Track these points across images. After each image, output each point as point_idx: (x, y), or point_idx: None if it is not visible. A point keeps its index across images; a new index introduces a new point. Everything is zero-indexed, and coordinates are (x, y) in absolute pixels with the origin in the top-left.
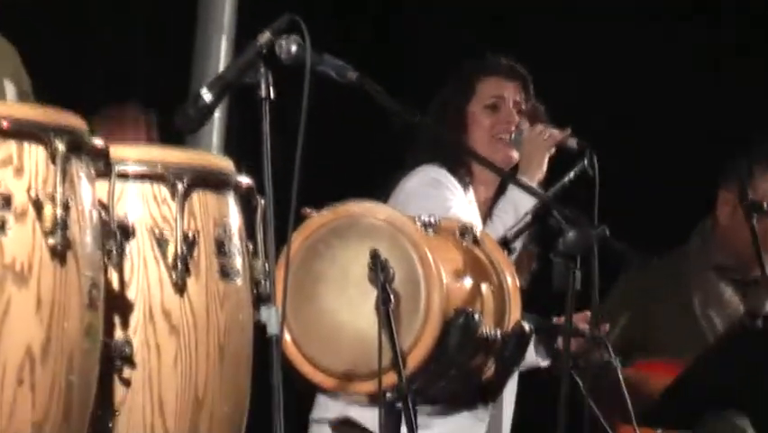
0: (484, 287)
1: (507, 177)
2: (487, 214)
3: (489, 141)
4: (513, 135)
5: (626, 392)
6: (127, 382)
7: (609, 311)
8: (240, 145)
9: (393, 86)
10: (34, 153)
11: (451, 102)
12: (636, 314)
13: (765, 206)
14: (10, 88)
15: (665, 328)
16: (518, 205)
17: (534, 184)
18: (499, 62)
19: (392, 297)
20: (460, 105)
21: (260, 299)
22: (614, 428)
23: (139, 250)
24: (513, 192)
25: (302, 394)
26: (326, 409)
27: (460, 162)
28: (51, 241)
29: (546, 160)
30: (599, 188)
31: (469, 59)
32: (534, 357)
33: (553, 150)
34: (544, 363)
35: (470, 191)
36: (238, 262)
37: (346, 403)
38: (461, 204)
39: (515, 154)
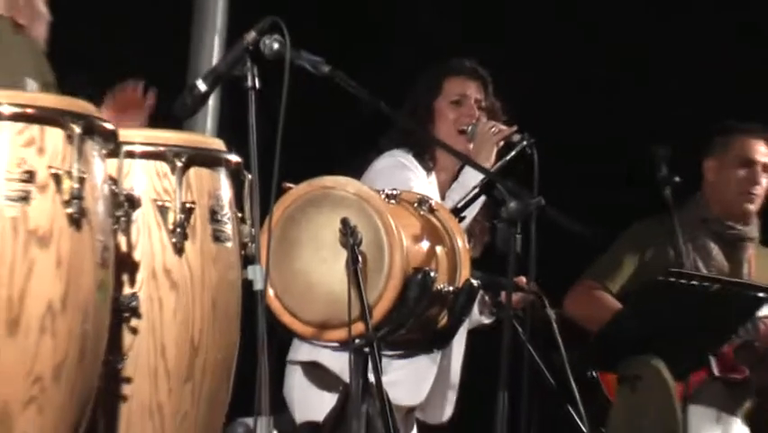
0: (438, 249)
1: (464, 159)
2: (444, 195)
3: (453, 132)
4: (470, 128)
5: (559, 339)
6: (134, 331)
7: (614, 260)
8: (230, 128)
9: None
10: (54, 135)
11: (421, 97)
12: (637, 264)
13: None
14: (31, 83)
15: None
16: (467, 186)
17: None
18: (464, 64)
19: (360, 258)
20: (429, 100)
21: (247, 260)
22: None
23: (144, 218)
24: (463, 176)
25: (283, 341)
26: (298, 351)
27: (424, 149)
28: (69, 210)
29: (494, 151)
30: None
31: (438, 61)
32: (478, 316)
33: (501, 143)
34: (488, 320)
35: (432, 175)
36: (228, 227)
37: (318, 347)
38: (422, 184)
39: (470, 146)
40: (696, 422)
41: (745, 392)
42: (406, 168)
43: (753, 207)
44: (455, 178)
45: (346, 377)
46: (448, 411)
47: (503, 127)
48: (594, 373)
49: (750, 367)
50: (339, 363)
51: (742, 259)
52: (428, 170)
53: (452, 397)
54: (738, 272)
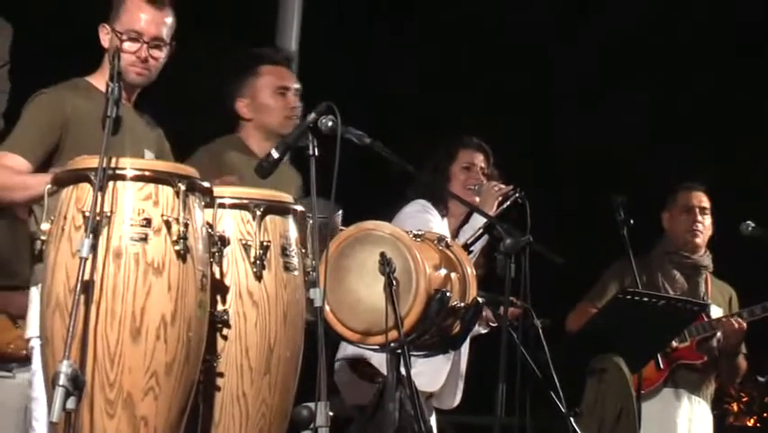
0: (453, 275)
1: (472, 207)
2: (454, 237)
3: (463, 190)
4: (476, 187)
5: (544, 342)
6: (225, 337)
7: (602, 287)
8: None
9: None
10: (165, 192)
11: (440, 162)
12: (618, 289)
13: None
14: (149, 153)
15: None
16: (475, 228)
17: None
18: (473, 140)
19: (394, 282)
20: (446, 165)
21: (310, 284)
22: None
23: (232, 253)
24: (473, 221)
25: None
26: (345, 351)
27: (440, 200)
28: (177, 247)
29: (496, 204)
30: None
31: (453, 136)
32: (477, 328)
33: (500, 198)
34: (484, 330)
35: (445, 219)
36: (295, 260)
37: (363, 350)
38: (438, 225)
39: (477, 199)
40: (667, 400)
41: (706, 376)
42: (427, 212)
43: (699, 240)
44: (464, 222)
45: (383, 369)
46: (458, 398)
47: (503, 186)
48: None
49: (708, 355)
50: (377, 358)
51: (699, 282)
52: (442, 215)
53: (460, 386)
54: (696, 293)
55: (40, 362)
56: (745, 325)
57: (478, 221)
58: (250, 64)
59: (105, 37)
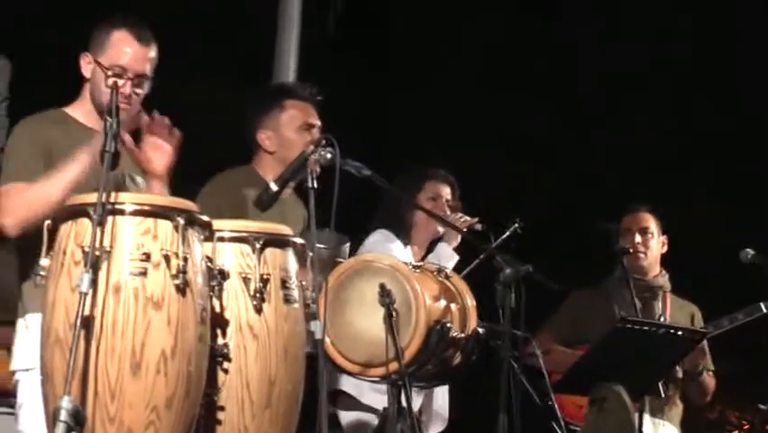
0: (453, 306)
1: (458, 230)
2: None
3: (427, 220)
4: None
5: (545, 372)
6: (226, 371)
7: (562, 314)
8: None
9: None
10: (164, 226)
11: (407, 192)
12: (576, 318)
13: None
14: (139, 179)
15: (595, 326)
16: (440, 257)
17: (452, 247)
18: (439, 171)
19: (394, 313)
20: (413, 195)
21: (310, 316)
22: None
23: (232, 286)
24: (437, 251)
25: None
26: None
27: (401, 229)
28: (176, 282)
29: (459, 237)
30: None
31: (419, 166)
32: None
33: (465, 229)
34: None
35: (408, 249)
36: (295, 292)
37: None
38: (400, 253)
39: (441, 229)
40: None
41: (667, 397)
42: (389, 241)
43: (643, 263)
44: (428, 252)
45: (362, 399)
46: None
47: (468, 218)
48: (550, 401)
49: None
50: (356, 389)
51: (655, 304)
52: (405, 243)
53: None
54: (652, 314)
55: (26, 395)
56: (703, 342)
57: (444, 250)
58: (276, 96)
59: (87, 66)
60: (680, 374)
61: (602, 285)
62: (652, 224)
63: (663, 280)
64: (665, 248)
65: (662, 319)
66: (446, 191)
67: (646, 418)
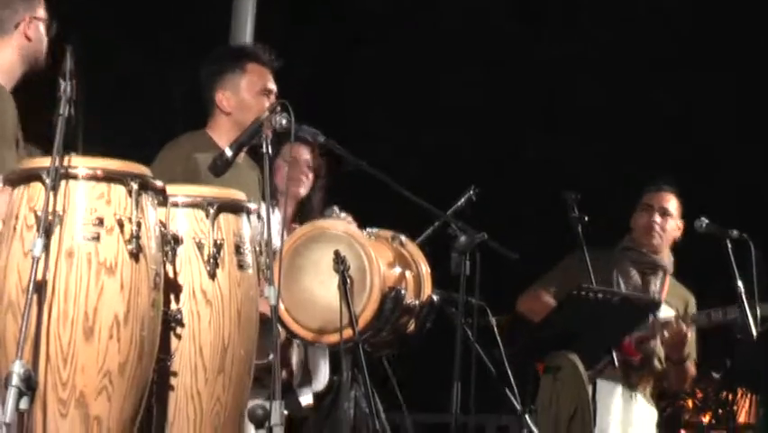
0: (407, 273)
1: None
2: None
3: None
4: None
5: (499, 341)
6: (179, 336)
7: (559, 273)
8: None
9: None
10: (118, 191)
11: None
12: (573, 277)
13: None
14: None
15: None
16: None
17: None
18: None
19: (349, 280)
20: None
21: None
22: None
23: (185, 252)
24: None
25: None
26: None
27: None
28: (129, 247)
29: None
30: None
31: None
32: None
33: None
34: None
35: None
36: (249, 258)
37: None
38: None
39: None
40: (603, 394)
41: (642, 373)
42: None
43: (655, 241)
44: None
45: None
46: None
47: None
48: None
49: (644, 354)
50: None
51: (653, 281)
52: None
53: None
54: (648, 291)
55: None
56: (690, 331)
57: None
58: (239, 58)
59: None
60: (659, 354)
61: (605, 251)
62: (673, 205)
63: (667, 261)
64: (679, 232)
65: (656, 297)
66: (305, 152)
67: (617, 387)
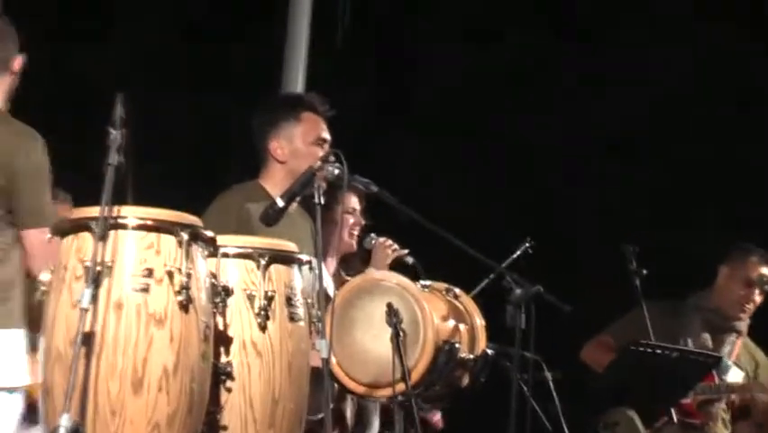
0: (461, 326)
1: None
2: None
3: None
4: (368, 240)
5: (555, 396)
6: (228, 389)
7: (626, 323)
8: None
9: None
10: (168, 241)
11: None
12: (641, 329)
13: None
14: None
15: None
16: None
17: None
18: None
19: (401, 333)
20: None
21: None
22: None
23: (236, 303)
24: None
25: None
26: None
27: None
28: (179, 298)
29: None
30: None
31: None
32: None
33: (392, 259)
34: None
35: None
36: (301, 310)
37: None
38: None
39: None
40: None
41: None
42: None
43: (744, 316)
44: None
45: None
46: None
47: (398, 247)
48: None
49: (707, 418)
50: None
51: (724, 343)
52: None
53: None
54: (718, 351)
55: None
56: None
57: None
58: (294, 107)
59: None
60: (724, 417)
61: (674, 304)
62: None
63: (744, 325)
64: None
65: (719, 354)
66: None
67: None
